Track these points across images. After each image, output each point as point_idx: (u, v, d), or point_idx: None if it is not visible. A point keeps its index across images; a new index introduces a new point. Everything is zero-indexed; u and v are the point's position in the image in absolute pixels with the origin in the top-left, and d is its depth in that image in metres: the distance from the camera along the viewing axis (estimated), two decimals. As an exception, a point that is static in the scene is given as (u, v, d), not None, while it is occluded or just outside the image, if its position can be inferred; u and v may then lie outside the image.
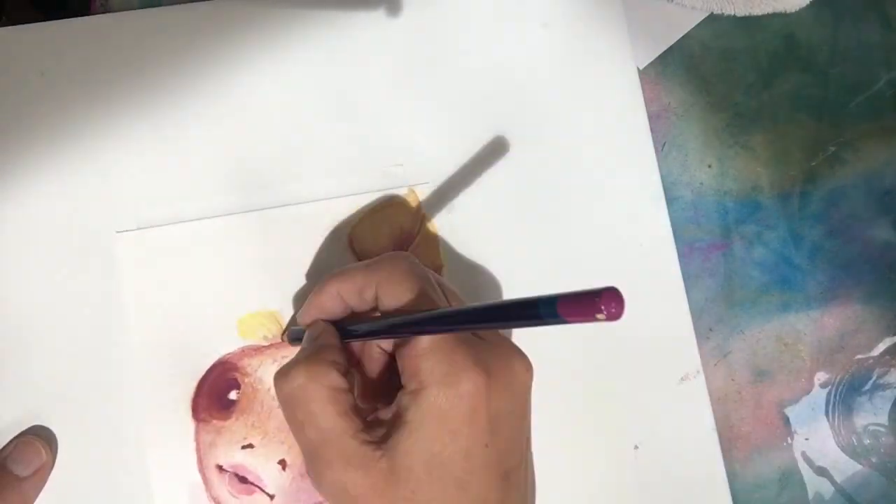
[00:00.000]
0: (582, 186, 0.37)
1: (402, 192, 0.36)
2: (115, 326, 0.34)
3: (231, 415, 0.34)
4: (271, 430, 0.34)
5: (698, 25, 0.39)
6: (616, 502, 0.36)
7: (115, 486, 0.33)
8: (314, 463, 0.27)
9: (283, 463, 0.34)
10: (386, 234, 0.36)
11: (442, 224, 0.36)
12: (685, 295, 0.37)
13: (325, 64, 0.37)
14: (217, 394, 0.34)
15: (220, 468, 0.34)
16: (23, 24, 0.36)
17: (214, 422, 0.34)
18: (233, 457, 0.34)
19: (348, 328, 0.30)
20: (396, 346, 0.28)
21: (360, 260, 0.35)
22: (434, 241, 0.36)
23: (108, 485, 0.33)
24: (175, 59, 0.36)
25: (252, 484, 0.34)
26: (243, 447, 0.34)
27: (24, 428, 0.33)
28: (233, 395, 0.34)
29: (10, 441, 0.33)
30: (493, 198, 0.37)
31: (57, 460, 0.33)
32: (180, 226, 0.35)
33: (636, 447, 0.36)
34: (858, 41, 0.40)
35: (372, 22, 0.37)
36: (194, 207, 0.35)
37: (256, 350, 0.35)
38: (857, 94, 0.39)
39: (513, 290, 0.36)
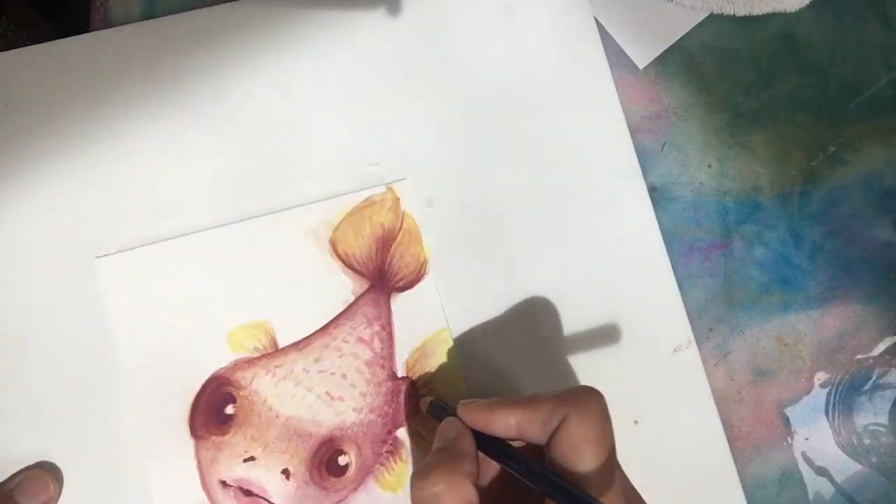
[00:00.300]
0: (558, 167, 0.37)
1: (379, 190, 0.36)
2: (105, 353, 0.34)
3: (229, 429, 0.34)
4: (271, 441, 0.34)
5: (698, 25, 0.39)
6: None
7: None
8: None
9: (286, 472, 0.34)
10: (367, 234, 0.36)
11: (422, 218, 0.36)
12: (671, 268, 0.37)
13: (292, 71, 0.37)
14: (213, 410, 0.34)
15: (223, 483, 0.34)
16: (23, 23, 0.36)
17: (213, 438, 0.34)
18: (235, 471, 0.34)
19: (492, 442, 0.29)
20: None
21: (344, 263, 0.35)
22: (416, 235, 0.36)
23: None
24: (141, 80, 0.36)
25: (257, 496, 0.34)
26: (245, 460, 0.34)
27: (31, 462, 0.33)
28: (229, 409, 0.34)
29: (19, 472, 0.33)
30: (470, 187, 0.37)
31: (62, 489, 0.33)
32: (160, 245, 0.35)
33: (636, 422, 0.36)
34: (858, 41, 0.40)
35: (340, 22, 0.37)
36: (172, 225, 0.35)
37: (249, 362, 0.35)
38: (857, 94, 0.39)
39: (499, 276, 0.36)
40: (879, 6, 0.40)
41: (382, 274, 0.36)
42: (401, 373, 0.35)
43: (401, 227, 0.36)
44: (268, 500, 0.34)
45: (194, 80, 0.36)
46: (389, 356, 0.35)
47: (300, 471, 0.34)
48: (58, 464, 0.33)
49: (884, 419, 0.38)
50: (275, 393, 0.35)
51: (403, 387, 0.35)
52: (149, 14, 0.37)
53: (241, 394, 0.34)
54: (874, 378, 0.38)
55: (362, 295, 0.35)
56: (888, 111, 0.40)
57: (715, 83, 0.39)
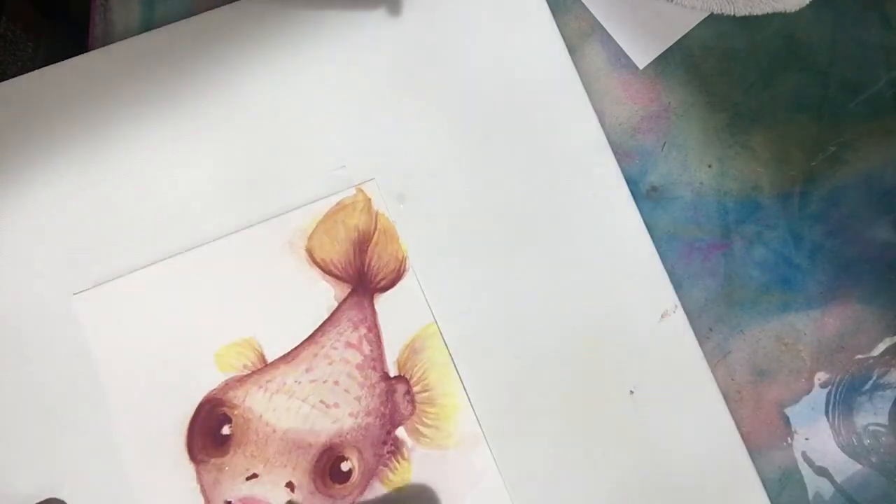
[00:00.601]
0: (523, 144, 0.37)
1: (349, 193, 0.36)
2: (94, 388, 0.34)
3: (228, 450, 0.34)
4: (271, 457, 0.34)
5: (698, 25, 0.39)
6: (621, 449, 0.36)
7: None
8: None
9: (290, 485, 0.34)
10: (343, 238, 0.36)
11: (396, 216, 0.36)
12: (647, 234, 0.37)
13: (252, 80, 0.37)
14: (210, 432, 0.34)
15: None
16: (23, 23, 0.36)
17: (213, 460, 0.34)
18: (239, 490, 0.34)
19: None
20: None
21: (323, 270, 0.35)
22: (392, 233, 0.36)
23: None
24: (100, 105, 0.36)
25: None
26: (247, 479, 0.34)
27: (39, 499, 0.33)
28: (225, 430, 0.34)
29: None
30: (439, 178, 0.37)
31: None
32: (135, 274, 0.35)
33: (632, 392, 0.36)
34: (858, 41, 0.40)
35: (302, 26, 0.37)
36: (147, 253, 0.35)
37: (239, 380, 0.35)
38: (857, 94, 0.39)
39: (477, 263, 0.36)
40: (879, 6, 0.40)
41: (363, 276, 0.36)
42: (393, 372, 0.35)
43: (375, 228, 0.36)
44: None
45: (158, 99, 0.36)
46: (380, 357, 0.35)
47: (304, 482, 0.34)
48: (66, 500, 0.33)
49: (884, 419, 0.38)
50: (269, 408, 0.35)
51: (397, 386, 0.35)
52: (149, 14, 0.37)
53: (236, 413, 0.34)
54: (874, 378, 0.38)
55: (345, 299, 0.35)
56: (888, 111, 0.40)
57: (715, 83, 0.39)
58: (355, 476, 0.35)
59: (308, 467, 0.34)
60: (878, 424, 0.38)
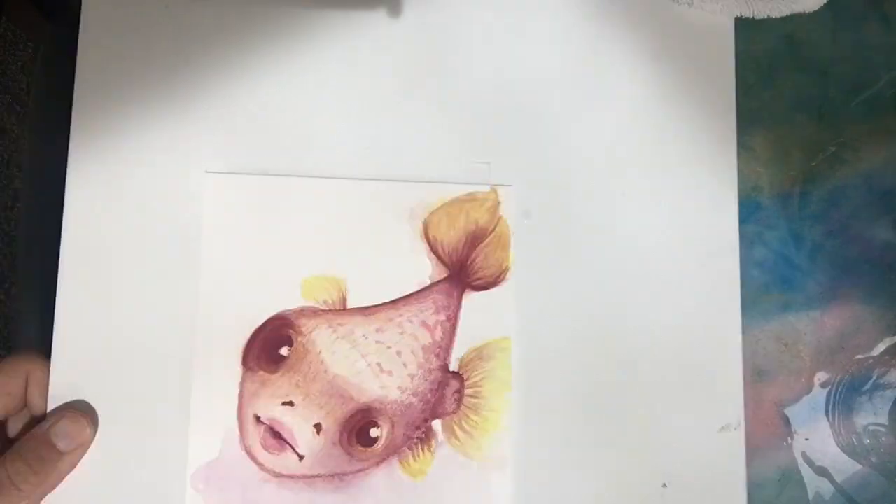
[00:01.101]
0: (658, 210, 0.37)
1: (484, 188, 0.36)
2: (187, 262, 0.35)
3: (278, 369, 0.35)
4: (313, 393, 0.35)
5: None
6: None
7: (154, 418, 0.34)
8: None
9: (318, 427, 0.35)
10: (460, 226, 0.36)
11: (516, 227, 0.36)
12: (741, 348, 0.37)
13: (441, 46, 0.37)
14: (269, 346, 0.35)
15: (257, 419, 0.34)
16: (23, 23, 0.36)
17: (261, 373, 0.35)
18: (272, 411, 0.35)
19: None
20: None
21: (430, 247, 0.36)
22: (506, 241, 0.36)
23: (147, 415, 0.34)
24: (294, 28, 0.37)
25: (284, 441, 0.34)
26: (283, 403, 0.35)
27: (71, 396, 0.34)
28: (284, 350, 0.35)
29: (57, 411, 0.33)
30: (570, 209, 0.37)
31: (102, 379, 0.34)
32: (267, 178, 0.36)
33: (664, 485, 0.36)
34: (858, 41, 0.40)
35: (465, 23, 0.38)
36: (283, 163, 0.36)
37: (315, 312, 0.35)
38: (857, 94, 0.39)
39: (574, 302, 0.36)
40: (879, 6, 0.40)
41: (463, 268, 0.36)
42: (453, 367, 0.36)
43: (493, 230, 0.36)
44: (293, 448, 0.34)
45: (339, 35, 0.37)
46: (447, 348, 0.36)
47: (332, 430, 0.35)
48: (110, 345, 0.34)
49: (884, 419, 0.38)
50: (330, 349, 0.35)
51: (452, 381, 0.35)
52: (149, 14, 0.37)
53: (299, 339, 0.35)
54: (874, 378, 0.38)
55: (438, 282, 0.36)
56: (888, 111, 0.40)
57: (715, 83, 0.39)
58: (379, 445, 0.35)
59: (340, 418, 0.35)
60: (878, 424, 0.38)
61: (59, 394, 0.34)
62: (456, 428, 0.35)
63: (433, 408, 0.35)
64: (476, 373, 0.36)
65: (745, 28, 0.39)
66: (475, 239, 0.36)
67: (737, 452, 0.36)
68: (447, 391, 0.35)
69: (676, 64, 0.38)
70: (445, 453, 0.35)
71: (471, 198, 0.36)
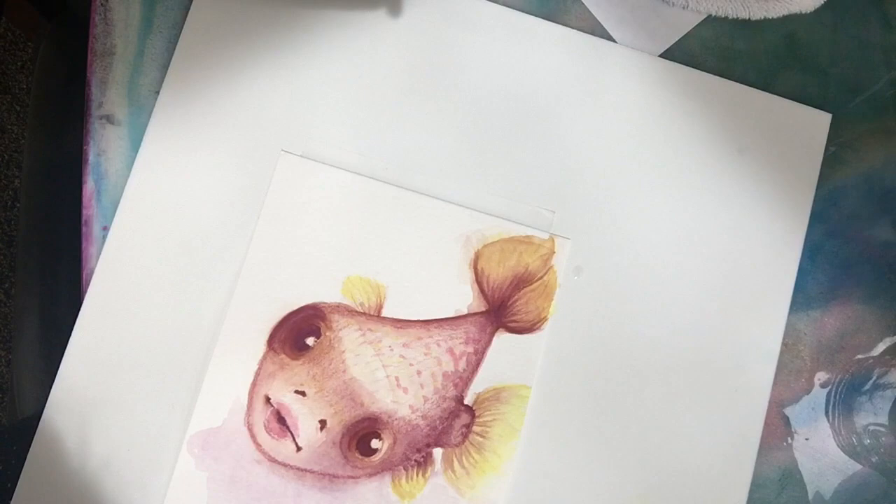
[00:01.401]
0: (709, 288, 0.37)
1: (543, 235, 0.37)
2: (241, 231, 0.36)
3: (300, 357, 0.35)
4: (327, 389, 0.35)
5: (698, 25, 0.39)
6: None
7: (171, 373, 0.35)
8: None
9: (322, 423, 0.35)
10: (511, 265, 0.36)
11: (565, 280, 0.36)
12: (754, 459, 0.36)
13: (532, 88, 0.37)
14: (297, 332, 0.35)
15: (267, 400, 0.35)
16: (23, 23, 0.36)
17: (283, 356, 0.35)
18: (283, 395, 0.35)
19: None
20: None
21: (476, 277, 0.36)
22: (551, 292, 0.36)
23: (166, 368, 0.35)
24: (402, 33, 0.37)
25: (287, 428, 0.35)
26: (296, 391, 0.35)
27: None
28: (310, 340, 0.35)
29: None
30: (621, 272, 0.37)
31: (132, 319, 0.35)
32: (338, 170, 0.36)
33: None
34: (858, 41, 0.40)
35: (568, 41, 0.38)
36: (356, 160, 0.37)
37: (349, 312, 0.36)
38: (857, 94, 0.39)
39: (603, 371, 0.36)
40: (879, 6, 0.40)
41: (503, 307, 0.36)
42: (468, 400, 0.36)
43: (541, 277, 0.36)
44: (293, 437, 0.35)
45: (443, 58, 0.37)
46: (467, 380, 0.36)
47: (335, 430, 0.35)
48: (144, 293, 0.35)
49: (884, 419, 0.38)
50: (355, 351, 0.35)
51: (463, 414, 0.36)
52: (149, 13, 0.37)
53: (327, 334, 0.35)
54: (874, 378, 0.38)
55: (475, 314, 0.36)
56: (888, 111, 0.39)
57: (715, 83, 0.39)
58: (377, 457, 0.35)
59: (347, 421, 0.35)
60: (878, 424, 0.38)
61: (87, 324, 0.35)
62: (455, 461, 0.35)
63: (438, 435, 0.35)
64: (489, 412, 0.36)
65: (745, 28, 0.39)
66: (522, 282, 0.36)
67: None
68: (456, 423, 0.35)
69: (760, 152, 0.38)
70: (438, 483, 0.35)
71: (528, 241, 0.37)
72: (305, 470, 0.35)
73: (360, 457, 0.35)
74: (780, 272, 0.37)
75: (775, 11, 0.38)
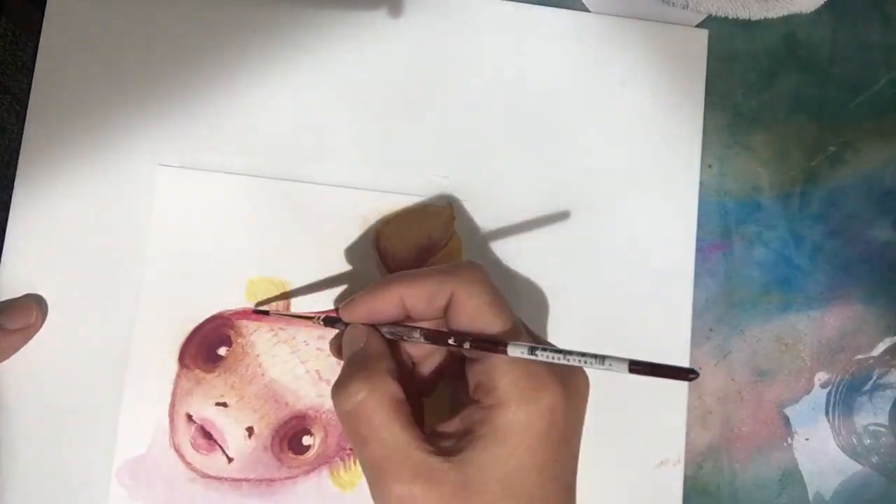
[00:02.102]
0: (616, 238, 0.37)
1: (440, 202, 0.36)
2: (132, 253, 0.35)
3: (214, 369, 0.35)
4: (248, 395, 0.35)
5: (698, 25, 0.39)
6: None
7: (85, 408, 0.34)
8: (380, 478, 0.26)
9: (250, 430, 0.34)
10: (413, 238, 0.36)
11: (469, 243, 0.36)
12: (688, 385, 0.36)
13: (394, 61, 0.37)
14: (207, 345, 0.35)
15: (189, 417, 0.34)
16: (23, 24, 0.36)
17: (197, 371, 0.34)
18: (205, 410, 0.34)
19: (399, 330, 0.29)
20: (471, 360, 0.28)
21: (380, 257, 0.35)
22: (458, 258, 0.36)
23: (79, 405, 0.34)
24: (256, 24, 0.37)
25: (215, 442, 0.34)
26: (217, 404, 0.34)
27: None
28: (222, 350, 0.35)
29: (8, 300, 0.34)
30: (524, 229, 0.37)
31: (37, 361, 0.34)
32: (220, 175, 0.36)
33: None
34: (858, 41, 0.40)
35: (447, 31, 0.37)
36: (237, 162, 0.36)
37: (257, 315, 0.35)
38: (857, 94, 0.39)
39: (523, 316, 0.36)
40: (879, 6, 0.40)
41: None
42: None
43: (445, 245, 0.36)
44: (223, 449, 0.34)
45: (294, 38, 0.37)
46: None
47: (264, 434, 0.34)
48: (47, 328, 0.34)
49: (884, 419, 0.38)
50: (269, 353, 0.35)
51: None
52: (148, 14, 0.37)
53: (239, 340, 0.35)
54: (874, 378, 0.38)
55: None
56: (888, 111, 0.39)
57: (715, 83, 0.39)
58: (311, 454, 0.35)
59: (274, 423, 0.35)
60: (878, 424, 0.38)
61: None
62: None
63: None
64: None
65: (745, 28, 0.39)
66: (426, 253, 0.36)
67: (673, 489, 0.36)
68: None
69: (646, 80, 0.38)
70: None
71: (426, 210, 0.36)
72: (241, 479, 0.34)
73: (294, 456, 0.35)
74: (681, 201, 0.37)
75: (775, 11, 0.38)
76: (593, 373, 0.35)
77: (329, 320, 0.33)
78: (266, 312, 0.34)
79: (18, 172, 0.35)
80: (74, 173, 0.35)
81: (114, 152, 0.35)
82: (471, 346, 0.27)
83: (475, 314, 0.28)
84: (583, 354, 0.25)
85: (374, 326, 0.30)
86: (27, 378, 0.34)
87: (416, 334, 0.29)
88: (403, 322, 0.30)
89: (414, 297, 0.29)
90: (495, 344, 0.26)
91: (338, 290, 0.35)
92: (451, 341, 0.27)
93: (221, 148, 0.36)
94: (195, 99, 0.36)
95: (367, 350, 0.29)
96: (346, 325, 0.31)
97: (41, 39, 0.36)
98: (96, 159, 0.35)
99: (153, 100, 0.36)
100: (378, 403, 0.26)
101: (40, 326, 0.34)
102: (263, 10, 0.37)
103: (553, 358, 0.25)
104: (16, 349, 0.33)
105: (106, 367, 0.34)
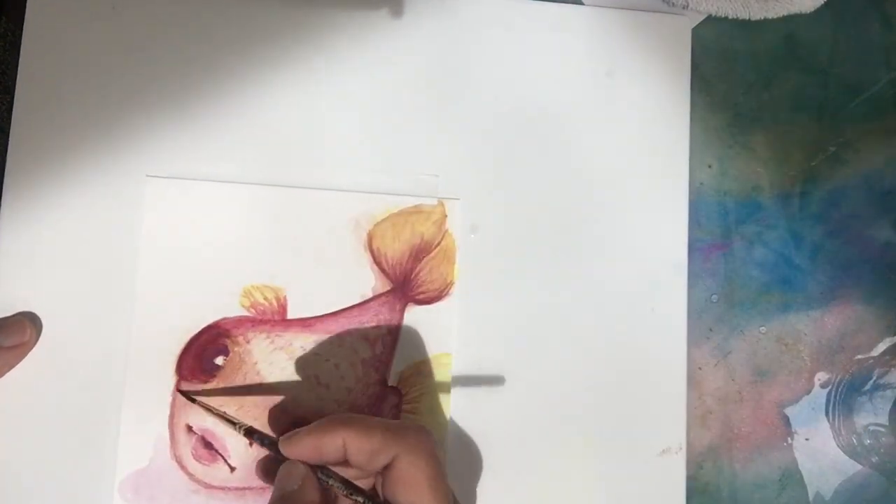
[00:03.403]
0: (609, 235, 0.37)
1: (431, 202, 0.36)
2: (124, 266, 0.35)
3: (212, 379, 0.34)
4: (247, 404, 0.34)
5: (698, 25, 0.39)
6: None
7: (86, 424, 0.34)
8: None
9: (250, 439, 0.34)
10: (406, 238, 0.36)
11: (462, 242, 0.36)
12: (686, 362, 0.37)
13: (381, 63, 0.37)
14: (204, 356, 0.34)
15: (189, 428, 0.34)
16: (23, 23, 0.36)
17: (195, 382, 0.34)
18: (204, 420, 0.34)
19: (337, 485, 0.30)
20: None
21: (374, 259, 0.35)
22: (451, 256, 0.36)
23: (79, 420, 0.34)
24: (243, 29, 0.36)
25: (216, 452, 0.34)
26: (217, 414, 0.34)
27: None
28: (219, 360, 0.35)
29: (3, 318, 0.34)
30: (519, 226, 0.37)
31: (35, 379, 0.34)
32: (210, 184, 0.35)
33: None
34: (858, 41, 0.40)
35: (434, 31, 0.37)
36: (227, 169, 0.36)
37: (253, 323, 0.35)
38: (857, 94, 0.39)
39: (519, 318, 0.36)
40: (879, 6, 0.40)
41: (407, 281, 0.36)
42: (392, 381, 0.35)
43: (439, 243, 0.36)
44: (224, 459, 0.34)
45: (281, 47, 0.36)
46: (386, 362, 0.35)
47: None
48: (44, 350, 0.34)
49: (884, 419, 0.38)
50: (267, 360, 0.35)
51: (390, 396, 0.35)
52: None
53: (235, 349, 0.35)
54: (874, 378, 0.38)
55: (380, 295, 0.36)
56: (888, 111, 0.39)
57: (715, 83, 0.39)
58: None
59: (276, 432, 0.34)
60: (878, 424, 0.38)
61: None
62: None
63: None
64: (415, 388, 0.35)
65: (745, 28, 0.39)
66: (420, 252, 0.36)
67: (676, 478, 0.36)
68: (385, 406, 0.35)
69: (633, 77, 0.38)
70: None
71: (417, 210, 0.36)
72: (244, 488, 0.34)
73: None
74: (671, 188, 0.37)
75: (775, 12, 0.38)
76: (594, 366, 0.36)
77: (250, 432, 0.32)
78: (193, 400, 0.34)
79: (5, 189, 0.35)
80: (62, 189, 0.35)
81: (101, 165, 0.35)
82: None
83: (412, 486, 0.28)
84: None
85: (310, 467, 0.30)
86: (24, 396, 0.34)
87: (355, 496, 0.29)
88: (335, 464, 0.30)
89: (356, 447, 0.28)
90: None
91: (333, 294, 0.35)
92: None
93: (209, 156, 0.36)
94: (180, 108, 0.36)
95: (303, 495, 0.28)
96: (277, 450, 0.30)
97: (21, 54, 0.35)
98: (83, 173, 0.35)
99: (139, 111, 0.35)
100: None
101: (34, 344, 0.34)
102: (247, 18, 0.36)
103: None
104: (10, 367, 0.33)
105: (103, 381, 0.34)
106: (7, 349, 0.33)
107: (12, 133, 0.35)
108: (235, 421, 0.33)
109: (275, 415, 0.34)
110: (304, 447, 0.29)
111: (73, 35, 0.36)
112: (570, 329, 0.36)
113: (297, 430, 0.30)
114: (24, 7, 0.36)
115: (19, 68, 0.35)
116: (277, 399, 0.35)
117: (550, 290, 0.36)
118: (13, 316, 0.34)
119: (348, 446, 0.28)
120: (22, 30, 0.36)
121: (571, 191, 0.37)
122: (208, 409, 0.33)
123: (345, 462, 0.29)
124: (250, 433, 0.32)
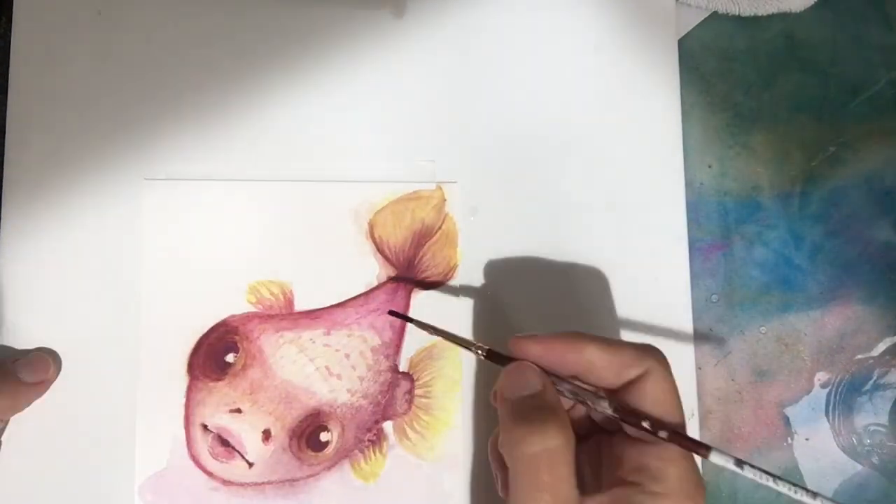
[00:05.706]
0: (607, 211, 0.37)
1: (429, 187, 0.36)
2: (129, 271, 0.35)
3: (225, 377, 0.35)
4: (261, 400, 0.35)
5: (698, 25, 0.39)
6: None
7: (100, 429, 0.34)
8: None
9: (266, 433, 0.34)
10: (406, 225, 0.36)
11: (463, 224, 0.36)
12: (692, 324, 0.37)
13: (368, 52, 0.37)
14: (215, 354, 0.35)
15: (204, 427, 0.34)
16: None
17: (207, 381, 0.34)
18: (219, 418, 0.34)
19: (584, 395, 0.28)
20: (632, 438, 0.28)
21: (376, 247, 0.36)
22: (453, 239, 0.36)
23: (94, 426, 0.34)
24: (231, 28, 0.36)
25: (233, 448, 0.34)
26: (231, 411, 0.34)
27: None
28: (230, 357, 0.35)
29: (25, 351, 0.34)
30: (518, 206, 0.37)
31: (48, 392, 0.34)
32: (208, 183, 0.35)
33: None
34: (858, 41, 0.40)
35: (415, 21, 0.37)
36: (224, 168, 0.36)
37: (261, 318, 0.35)
38: (857, 94, 0.39)
39: (524, 298, 0.36)
40: (879, 6, 0.40)
41: (410, 267, 0.36)
42: (403, 367, 0.35)
43: (440, 227, 0.36)
44: (242, 455, 0.34)
45: (271, 45, 0.37)
46: (396, 348, 0.35)
47: (281, 436, 0.34)
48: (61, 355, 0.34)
49: (884, 419, 0.38)
50: (277, 354, 0.35)
51: (402, 381, 0.35)
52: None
53: (245, 346, 0.35)
54: (874, 378, 0.38)
55: (386, 282, 0.36)
56: (888, 111, 0.39)
57: (715, 83, 0.39)
58: (330, 449, 0.35)
59: (290, 424, 0.35)
60: (878, 425, 0.38)
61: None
62: (407, 429, 0.35)
63: (384, 409, 0.35)
64: (426, 372, 0.35)
65: (745, 28, 0.39)
66: (422, 237, 0.36)
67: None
68: (398, 392, 0.35)
69: (621, 54, 0.38)
70: (397, 455, 0.35)
71: (416, 196, 0.36)
72: (264, 483, 0.34)
73: (314, 453, 0.35)
74: (666, 159, 0.38)
75: (764, 9, 0.38)
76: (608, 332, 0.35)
77: (493, 355, 0.30)
78: (409, 319, 0.32)
79: (4, 202, 0.34)
80: (60, 198, 0.35)
81: (98, 172, 0.35)
82: (668, 437, 0.26)
83: (661, 399, 0.27)
84: (794, 484, 0.25)
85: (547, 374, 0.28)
86: (38, 409, 0.33)
87: (605, 405, 0.28)
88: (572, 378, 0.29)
89: (606, 361, 0.28)
90: (696, 444, 0.26)
91: (339, 285, 0.35)
92: (645, 424, 0.27)
93: (205, 156, 0.36)
94: (174, 109, 0.36)
95: (551, 396, 0.28)
96: (507, 359, 0.29)
97: (10, 65, 0.35)
98: (80, 181, 0.35)
99: (131, 116, 0.35)
100: (568, 455, 0.26)
101: (55, 379, 0.34)
102: (239, 15, 0.36)
103: (763, 478, 0.26)
104: (30, 402, 0.33)
105: (116, 387, 0.34)
106: (30, 385, 0.33)
107: (7, 142, 0.35)
108: (470, 343, 0.30)
109: (288, 408, 0.35)
110: (549, 351, 0.28)
111: (61, 41, 0.36)
112: (575, 306, 0.36)
113: (535, 334, 0.29)
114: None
115: (10, 75, 0.35)
116: (290, 392, 0.35)
117: (551, 265, 0.37)
118: (35, 352, 0.34)
119: (597, 360, 0.28)
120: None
121: (567, 165, 0.37)
122: (431, 328, 0.31)
123: (573, 376, 0.28)
124: (493, 357, 0.30)
